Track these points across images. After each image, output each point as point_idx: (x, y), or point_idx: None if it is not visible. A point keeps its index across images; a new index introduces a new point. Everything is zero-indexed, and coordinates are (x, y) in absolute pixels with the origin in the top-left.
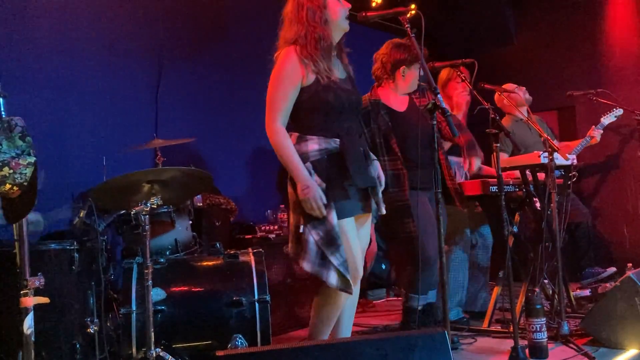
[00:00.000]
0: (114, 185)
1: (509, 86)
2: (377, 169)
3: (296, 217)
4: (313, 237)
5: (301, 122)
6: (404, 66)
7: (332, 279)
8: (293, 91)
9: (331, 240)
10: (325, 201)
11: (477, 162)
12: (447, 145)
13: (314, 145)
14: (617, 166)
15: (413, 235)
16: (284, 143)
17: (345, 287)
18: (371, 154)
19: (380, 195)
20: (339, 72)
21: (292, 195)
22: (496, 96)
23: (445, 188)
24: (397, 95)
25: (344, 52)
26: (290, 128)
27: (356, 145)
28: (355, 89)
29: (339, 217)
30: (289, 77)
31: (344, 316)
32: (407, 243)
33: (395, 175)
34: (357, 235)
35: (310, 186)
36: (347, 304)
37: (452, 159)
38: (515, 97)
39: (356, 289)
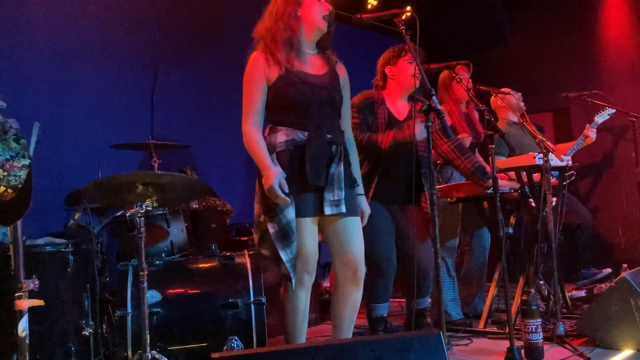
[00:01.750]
0: (109, 183)
1: (505, 91)
2: (342, 169)
3: (257, 207)
4: (269, 229)
5: (273, 116)
6: (388, 66)
7: (283, 267)
8: (258, 92)
9: (284, 235)
10: (287, 190)
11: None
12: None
13: (282, 136)
14: (612, 167)
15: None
16: (250, 140)
17: (290, 277)
18: (343, 153)
19: (333, 196)
20: (311, 67)
21: (257, 187)
22: (492, 99)
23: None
24: (399, 100)
25: (329, 50)
26: (266, 122)
27: (323, 140)
28: (335, 86)
29: (297, 214)
30: (252, 80)
31: (345, 319)
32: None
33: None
34: (315, 235)
35: (272, 172)
36: (348, 308)
37: None
38: (509, 99)
39: (358, 291)
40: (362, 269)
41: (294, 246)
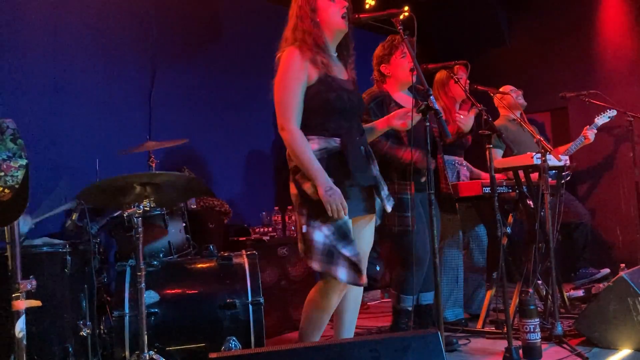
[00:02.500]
0: (107, 186)
1: (506, 88)
2: (377, 168)
3: (300, 217)
4: (322, 233)
5: (305, 120)
6: (383, 64)
7: (341, 273)
8: (301, 89)
9: (343, 234)
10: (345, 205)
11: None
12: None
13: (314, 145)
14: (610, 167)
15: (408, 230)
16: (303, 146)
17: (356, 279)
18: (372, 154)
19: (384, 193)
20: (339, 72)
21: (295, 196)
22: (495, 97)
23: (438, 192)
24: (400, 93)
25: (349, 55)
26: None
27: (356, 144)
28: (357, 91)
29: (347, 215)
30: (296, 75)
31: (346, 318)
32: (400, 238)
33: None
34: (358, 237)
35: (334, 189)
36: (350, 306)
37: (448, 158)
38: (507, 99)
39: (359, 290)
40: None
41: (355, 243)
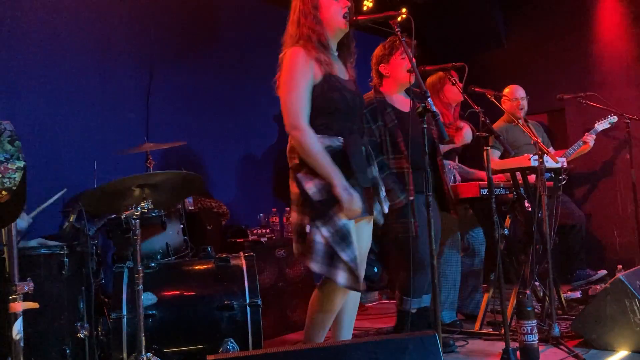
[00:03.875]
0: (104, 191)
1: (516, 90)
2: (377, 169)
3: (301, 217)
4: (323, 235)
5: (310, 120)
6: (382, 64)
7: (341, 277)
8: (309, 88)
9: (343, 237)
10: (361, 206)
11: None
12: (444, 148)
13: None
14: (607, 169)
15: (412, 235)
16: (315, 145)
17: (354, 284)
18: (373, 155)
19: (383, 195)
20: (341, 72)
21: (297, 195)
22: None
23: (441, 193)
24: (398, 95)
25: (350, 55)
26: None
27: (359, 144)
28: (358, 90)
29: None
30: (302, 74)
31: (345, 320)
32: (404, 244)
33: (400, 174)
34: (357, 238)
35: (351, 189)
36: (348, 307)
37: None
38: (505, 104)
39: (356, 295)
40: (363, 267)
41: (354, 247)
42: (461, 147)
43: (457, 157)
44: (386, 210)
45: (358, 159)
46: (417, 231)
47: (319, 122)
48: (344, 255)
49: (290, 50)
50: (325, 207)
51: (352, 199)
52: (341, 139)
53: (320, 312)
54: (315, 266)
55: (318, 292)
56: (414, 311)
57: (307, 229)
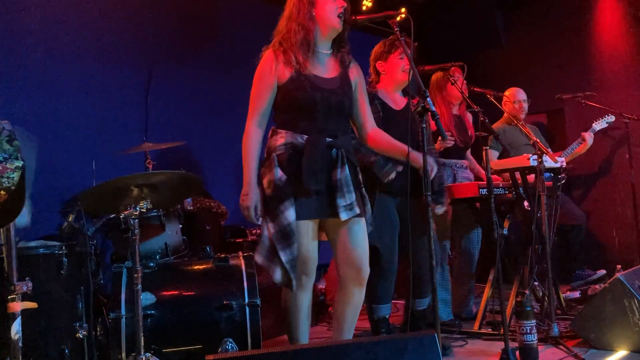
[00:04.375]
0: (103, 190)
1: (517, 92)
2: (345, 174)
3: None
4: (268, 230)
5: (278, 118)
6: (379, 61)
7: (277, 274)
8: (267, 91)
9: (285, 236)
10: (259, 214)
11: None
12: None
13: (281, 139)
14: (606, 169)
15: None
16: (249, 145)
17: (287, 283)
18: (345, 158)
19: (343, 201)
20: (322, 70)
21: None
22: (504, 98)
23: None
24: (394, 93)
25: (344, 53)
26: (272, 122)
27: (321, 145)
28: (345, 91)
29: (297, 217)
30: (263, 78)
31: (346, 320)
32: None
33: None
34: (314, 238)
35: (250, 195)
36: (350, 308)
37: (449, 160)
38: (512, 106)
39: (361, 292)
40: (367, 270)
41: (294, 247)
42: (468, 144)
43: (465, 154)
44: (342, 218)
45: (312, 160)
46: (377, 231)
47: (283, 120)
48: (282, 255)
49: (264, 54)
50: (273, 203)
51: (244, 205)
52: (305, 137)
53: (289, 310)
54: (258, 258)
55: (285, 289)
56: (386, 316)
57: (259, 221)
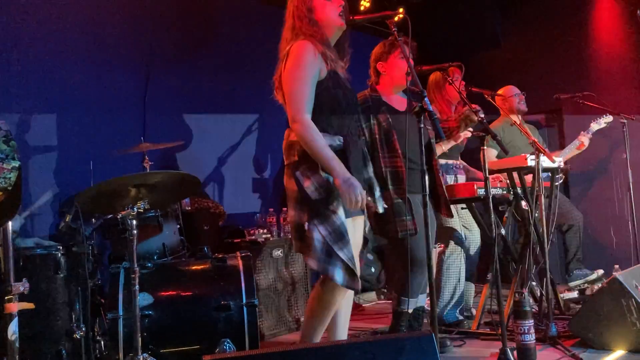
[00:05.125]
0: (101, 190)
1: (510, 89)
2: (372, 170)
3: (299, 214)
4: (320, 233)
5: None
6: (380, 62)
7: (338, 275)
8: (314, 81)
9: (340, 236)
10: (365, 196)
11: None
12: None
13: None
14: (604, 169)
15: (410, 233)
16: (316, 138)
17: (352, 283)
18: (368, 155)
19: (377, 194)
20: (342, 71)
21: (294, 192)
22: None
23: (436, 194)
24: (394, 94)
25: (345, 54)
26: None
27: (357, 145)
28: (354, 92)
29: (346, 215)
30: (309, 67)
31: (340, 319)
32: (401, 243)
33: (394, 172)
34: (353, 237)
35: (352, 179)
36: (343, 307)
37: (447, 162)
38: (510, 102)
39: (350, 292)
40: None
41: (350, 246)
42: (463, 145)
43: (459, 155)
44: (380, 210)
45: (356, 159)
46: (416, 229)
47: (319, 119)
48: (342, 254)
49: (298, 43)
50: (323, 205)
51: (352, 190)
52: (341, 138)
53: (320, 309)
54: (314, 264)
55: (319, 288)
56: (410, 311)
57: (306, 226)
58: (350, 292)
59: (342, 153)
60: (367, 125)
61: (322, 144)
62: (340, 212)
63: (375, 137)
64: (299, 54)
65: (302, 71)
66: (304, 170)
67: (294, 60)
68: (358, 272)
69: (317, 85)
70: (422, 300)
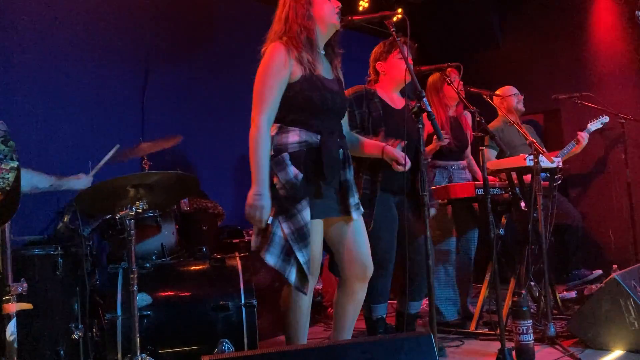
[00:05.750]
0: (99, 190)
1: (508, 89)
2: (351, 174)
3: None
4: (283, 230)
5: (285, 115)
6: (379, 61)
7: (293, 276)
8: (280, 85)
9: (302, 236)
10: (267, 220)
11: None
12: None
13: (294, 136)
14: (602, 169)
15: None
16: (260, 143)
17: (302, 286)
18: (350, 159)
19: (353, 200)
20: (325, 71)
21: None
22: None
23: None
24: (393, 93)
25: (336, 55)
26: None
27: (335, 145)
28: (342, 92)
29: (312, 216)
30: (276, 71)
31: (345, 322)
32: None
33: (372, 167)
34: (322, 237)
35: (264, 194)
36: (349, 309)
37: (445, 162)
38: (508, 102)
39: (363, 289)
40: (371, 267)
41: (309, 248)
42: (465, 145)
43: (463, 155)
44: (354, 217)
45: (332, 160)
46: (377, 230)
47: (293, 118)
48: (300, 256)
49: (271, 46)
50: (289, 203)
51: (255, 207)
52: (319, 136)
53: (290, 310)
54: (270, 258)
55: (287, 289)
56: (384, 316)
57: (270, 219)
58: (360, 299)
59: (316, 152)
60: (358, 112)
61: (263, 150)
62: (306, 212)
63: (365, 125)
64: (268, 58)
65: (269, 76)
66: (273, 166)
67: (264, 64)
68: (313, 277)
69: (289, 88)
70: (419, 307)
